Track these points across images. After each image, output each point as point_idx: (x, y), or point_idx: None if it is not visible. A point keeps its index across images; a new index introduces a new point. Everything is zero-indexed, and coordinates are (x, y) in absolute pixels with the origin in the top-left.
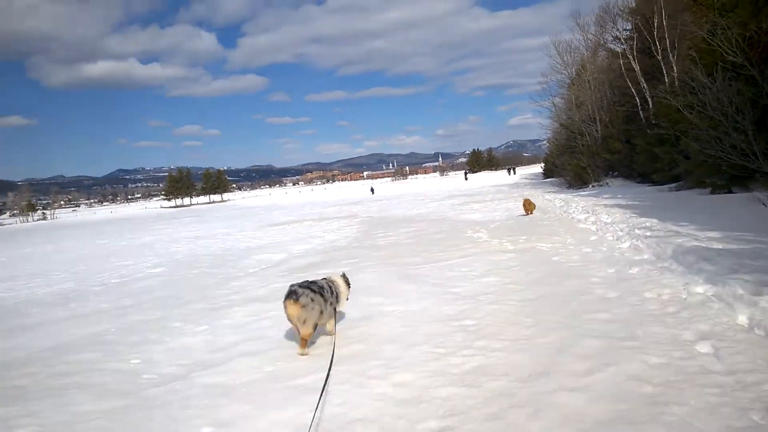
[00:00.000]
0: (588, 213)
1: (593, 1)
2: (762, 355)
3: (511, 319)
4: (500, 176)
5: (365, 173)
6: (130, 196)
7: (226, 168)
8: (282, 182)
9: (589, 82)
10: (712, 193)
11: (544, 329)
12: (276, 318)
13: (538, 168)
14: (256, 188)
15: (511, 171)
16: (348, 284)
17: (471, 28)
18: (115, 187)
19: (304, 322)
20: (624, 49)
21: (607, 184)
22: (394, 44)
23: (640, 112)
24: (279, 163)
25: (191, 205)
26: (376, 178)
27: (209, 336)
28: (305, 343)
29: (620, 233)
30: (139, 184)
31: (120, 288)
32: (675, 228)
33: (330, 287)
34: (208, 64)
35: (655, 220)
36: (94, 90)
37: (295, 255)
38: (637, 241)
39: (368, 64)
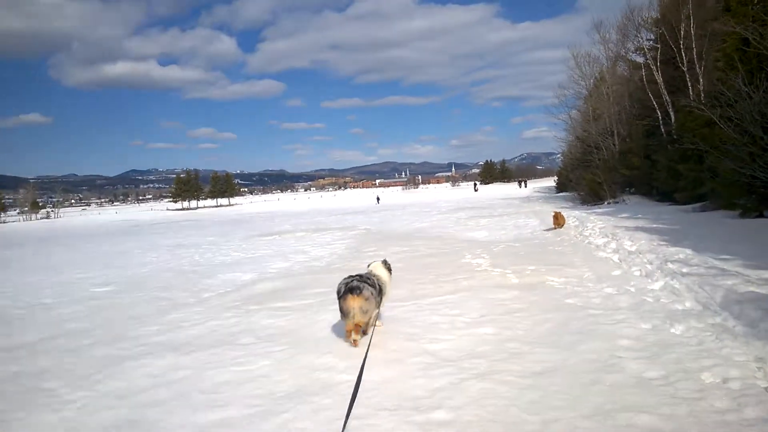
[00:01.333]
0: (607, 237)
1: (617, 13)
2: None
3: (504, 416)
4: (512, 189)
5: (377, 181)
6: (141, 197)
7: (238, 171)
8: (294, 187)
9: (607, 94)
10: (741, 216)
11: None
12: (186, 381)
13: (550, 181)
14: (268, 192)
15: (522, 184)
16: (389, 270)
17: (491, 39)
18: (127, 187)
19: (366, 312)
20: (646, 60)
21: (624, 201)
22: (413, 53)
23: (662, 126)
24: (292, 169)
25: (197, 208)
26: (388, 186)
27: (75, 414)
28: (359, 330)
29: (649, 267)
30: (151, 185)
31: (40, 313)
32: (716, 263)
33: (376, 282)
34: (226, 67)
35: (689, 251)
36: (112, 90)
37: (265, 276)
38: (673, 279)
39: (385, 73)
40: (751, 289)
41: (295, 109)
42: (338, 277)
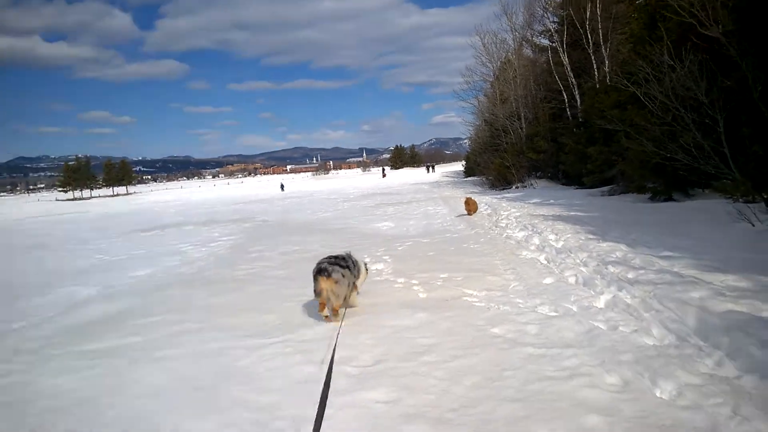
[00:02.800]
0: (527, 229)
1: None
2: None
3: None
4: (420, 174)
5: (288, 167)
6: (32, 186)
7: (140, 158)
8: (201, 174)
9: (514, 77)
10: (651, 199)
11: None
12: None
13: (458, 166)
14: (173, 180)
15: (430, 168)
16: (367, 271)
17: (401, 24)
18: (15, 176)
19: (338, 295)
20: (552, 42)
21: (531, 185)
22: (323, 35)
23: (568, 109)
24: (199, 155)
25: (91, 198)
26: (300, 172)
27: None
28: (336, 312)
29: (585, 271)
30: (43, 174)
31: None
32: (663, 263)
33: (355, 263)
34: (122, 45)
35: (623, 247)
36: None
37: (109, 291)
38: (621, 290)
39: (295, 55)
40: (729, 306)
41: (200, 92)
42: (200, 293)
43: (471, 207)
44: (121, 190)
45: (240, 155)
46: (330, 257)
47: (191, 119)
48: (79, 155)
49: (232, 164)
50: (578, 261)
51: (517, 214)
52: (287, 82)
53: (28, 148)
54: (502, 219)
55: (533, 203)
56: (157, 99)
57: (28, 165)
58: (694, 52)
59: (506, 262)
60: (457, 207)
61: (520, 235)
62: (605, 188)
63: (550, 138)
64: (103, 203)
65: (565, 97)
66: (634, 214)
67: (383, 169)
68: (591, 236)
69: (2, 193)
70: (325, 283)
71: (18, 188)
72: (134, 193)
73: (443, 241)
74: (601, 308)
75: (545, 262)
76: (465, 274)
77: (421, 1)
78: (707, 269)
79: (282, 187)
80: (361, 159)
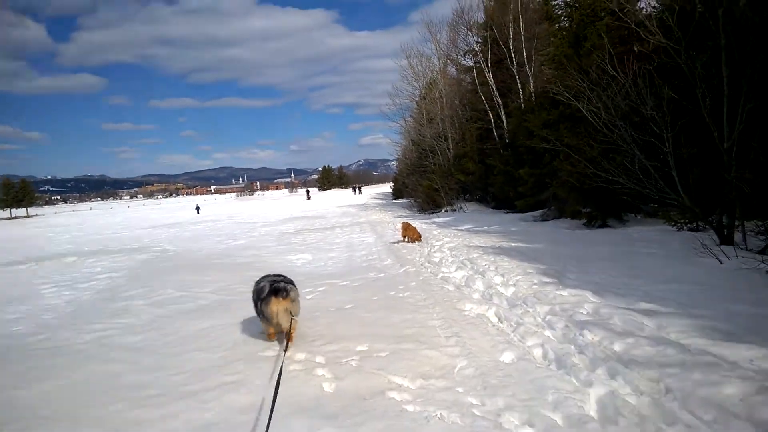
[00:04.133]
0: (465, 266)
1: (449, 15)
2: None
3: None
4: (348, 195)
5: (213, 187)
6: None
7: (49, 177)
8: (117, 195)
9: (440, 96)
10: (587, 225)
11: None
12: None
13: (387, 187)
14: (86, 200)
15: (357, 190)
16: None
17: (330, 44)
18: None
19: (290, 316)
20: (477, 61)
21: (461, 208)
22: (252, 54)
23: (494, 130)
24: (115, 174)
25: None
26: (225, 192)
27: None
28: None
29: (555, 340)
30: None
31: None
32: (651, 325)
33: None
34: (33, 57)
35: (590, 295)
36: None
37: None
38: (617, 379)
39: (221, 72)
40: None
41: (119, 107)
42: None
43: (409, 234)
44: (21, 212)
45: (161, 174)
46: (270, 275)
47: (109, 136)
48: None
49: (152, 184)
50: (540, 320)
51: (451, 244)
52: (213, 99)
53: None
54: (434, 251)
55: (466, 230)
56: (71, 114)
57: None
58: (637, 62)
59: (446, 322)
60: (384, 233)
61: (459, 275)
62: (537, 213)
63: (478, 159)
64: None
65: (491, 117)
66: (579, 245)
67: (308, 191)
68: (545, 278)
69: None
70: (280, 305)
71: None
72: (35, 215)
73: (366, 285)
74: (596, 419)
75: (496, 321)
76: (392, 346)
77: (350, 24)
78: (714, 335)
79: (198, 209)
80: (289, 179)
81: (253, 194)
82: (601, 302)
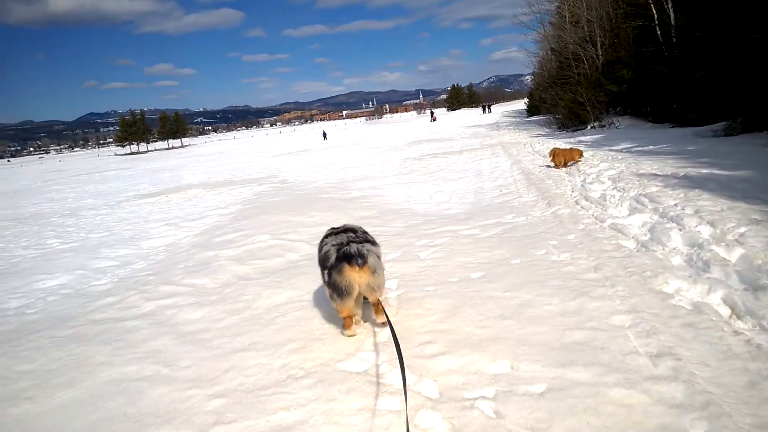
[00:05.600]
0: (645, 209)
1: None
2: None
3: None
4: (477, 115)
5: (345, 112)
6: (102, 141)
7: (201, 110)
8: (259, 123)
9: None
10: None
11: None
12: None
13: (521, 104)
14: (233, 130)
15: (486, 108)
16: None
17: None
18: (87, 131)
19: (375, 288)
20: None
21: (612, 124)
22: None
23: (657, 27)
24: (257, 103)
25: (147, 151)
26: (356, 117)
27: None
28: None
29: None
30: (111, 128)
31: None
32: None
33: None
34: None
35: None
36: (59, 27)
37: None
38: None
39: None
40: None
41: (256, 39)
42: None
43: (559, 159)
44: (177, 142)
45: (297, 102)
46: (338, 229)
47: (249, 68)
48: (145, 109)
49: (289, 112)
50: None
51: (612, 171)
52: (342, 24)
53: (97, 104)
54: (591, 181)
55: (626, 151)
56: (215, 49)
57: (98, 120)
58: None
59: (642, 321)
60: (520, 157)
61: (637, 222)
62: (717, 126)
63: (635, 65)
64: (153, 158)
65: (653, 12)
66: None
67: (432, 113)
68: None
69: (76, 149)
70: (360, 276)
71: (90, 143)
72: (188, 145)
73: (501, 237)
74: None
75: (729, 315)
76: (551, 372)
77: None
78: None
79: (324, 135)
80: (417, 101)
81: (381, 117)
82: None
